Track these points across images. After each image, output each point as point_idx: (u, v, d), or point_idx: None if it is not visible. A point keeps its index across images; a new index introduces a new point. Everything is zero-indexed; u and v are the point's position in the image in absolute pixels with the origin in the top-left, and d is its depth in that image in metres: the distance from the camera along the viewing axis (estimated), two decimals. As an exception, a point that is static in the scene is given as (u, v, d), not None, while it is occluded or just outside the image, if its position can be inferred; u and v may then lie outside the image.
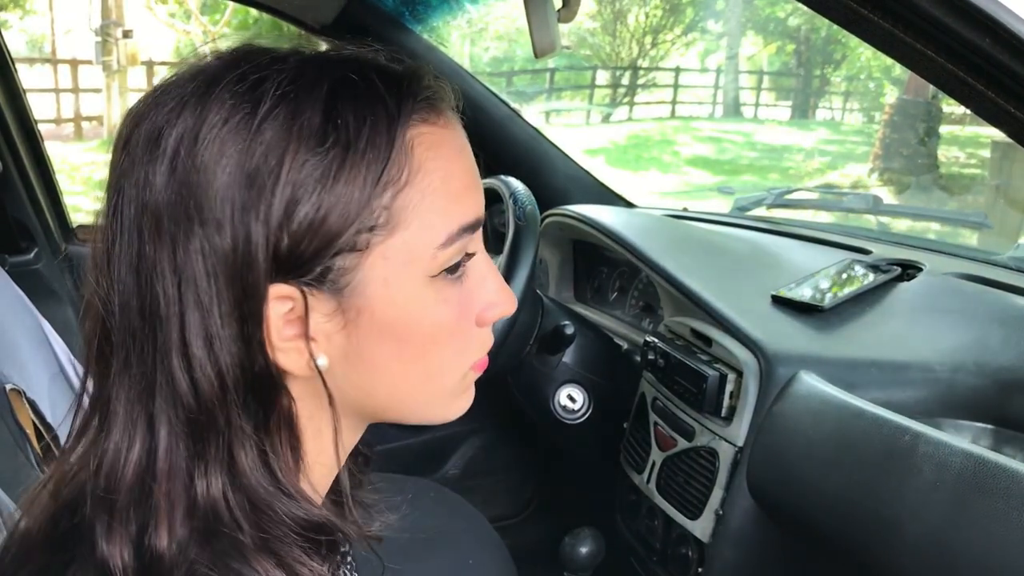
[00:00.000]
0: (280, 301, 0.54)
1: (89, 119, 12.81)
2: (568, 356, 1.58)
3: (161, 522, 0.53)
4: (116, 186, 0.55)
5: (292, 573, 0.55)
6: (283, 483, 0.56)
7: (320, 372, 0.57)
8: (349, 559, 0.76)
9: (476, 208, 0.60)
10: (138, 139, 0.54)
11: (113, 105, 11.89)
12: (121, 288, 0.54)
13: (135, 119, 0.55)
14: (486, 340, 0.64)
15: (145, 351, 0.54)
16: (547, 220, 1.86)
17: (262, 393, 0.55)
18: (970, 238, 1.99)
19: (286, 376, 0.57)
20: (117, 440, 0.55)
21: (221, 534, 0.54)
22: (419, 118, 0.57)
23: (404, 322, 0.58)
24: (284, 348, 0.56)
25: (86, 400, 0.59)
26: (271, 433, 0.56)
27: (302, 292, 0.54)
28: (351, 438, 0.66)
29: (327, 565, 0.58)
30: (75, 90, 12.69)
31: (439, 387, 0.63)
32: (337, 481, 0.71)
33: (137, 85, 12.32)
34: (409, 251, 0.56)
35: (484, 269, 0.63)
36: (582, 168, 1.98)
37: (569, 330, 1.50)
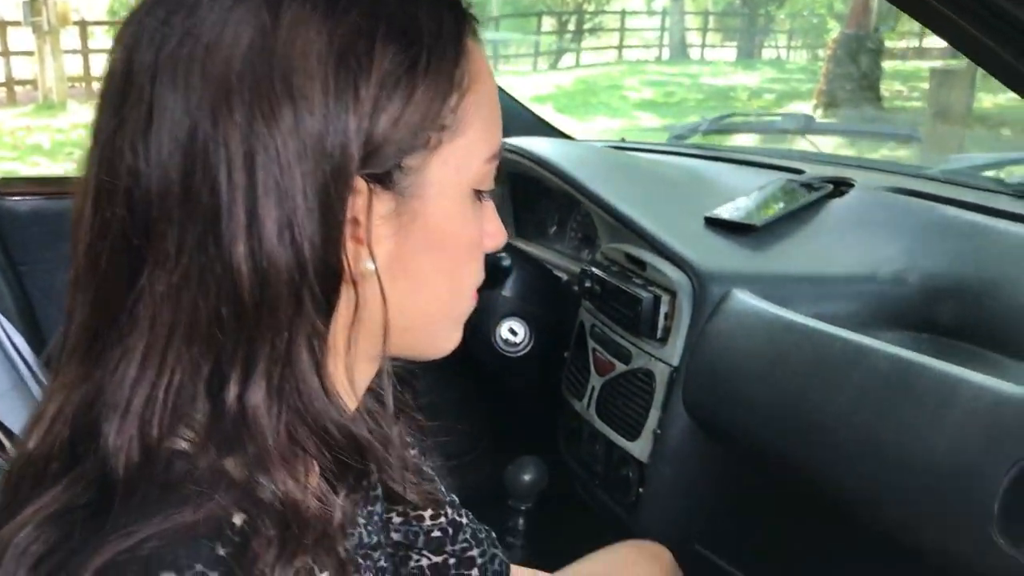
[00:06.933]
0: (353, 194, 0.52)
1: (22, 83, 12.38)
2: (508, 290, 1.57)
3: (176, 424, 0.50)
4: (145, 57, 0.49)
5: (300, 490, 0.51)
6: (333, 394, 0.53)
7: (378, 275, 0.54)
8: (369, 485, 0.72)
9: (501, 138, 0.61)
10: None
11: (46, 67, 11.51)
12: (159, 174, 0.48)
13: None
14: (483, 270, 0.64)
15: (187, 243, 0.49)
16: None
17: (329, 292, 0.52)
18: (904, 158, 2.00)
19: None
20: (139, 343, 0.50)
21: (246, 442, 0.50)
22: (470, 29, 0.57)
23: (449, 232, 0.57)
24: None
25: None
26: (322, 340, 0.52)
27: (370, 189, 0.52)
28: (366, 370, 0.62)
29: (348, 499, 0.55)
30: (4, 53, 12.26)
31: (456, 309, 0.62)
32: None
33: (71, 46, 11.93)
34: (465, 158, 0.56)
35: (489, 199, 0.62)
36: (517, 101, 1.96)
37: (505, 262, 1.49)
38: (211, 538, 0.48)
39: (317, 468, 0.54)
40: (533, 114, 1.98)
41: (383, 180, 0.53)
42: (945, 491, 0.83)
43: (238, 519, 0.49)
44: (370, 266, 0.54)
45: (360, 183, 0.51)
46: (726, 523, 1.25)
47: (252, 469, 0.50)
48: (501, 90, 1.91)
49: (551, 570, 1.09)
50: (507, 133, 1.84)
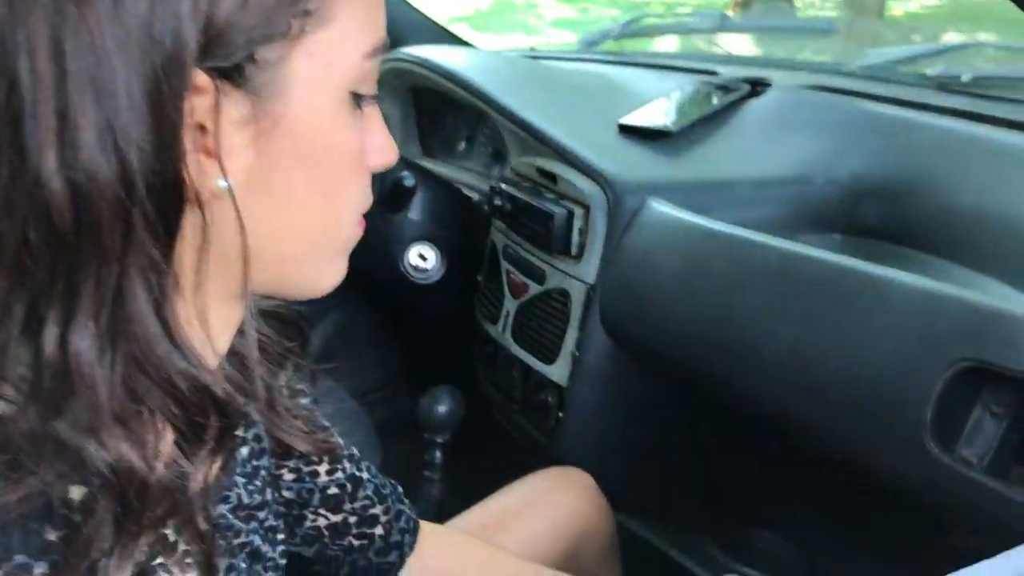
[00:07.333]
0: (192, 92, 0.42)
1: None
2: (414, 213, 1.47)
3: None
4: None
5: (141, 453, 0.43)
6: (180, 339, 0.44)
7: (232, 194, 0.44)
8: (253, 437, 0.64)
9: (384, 31, 0.51)
10: None
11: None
12: None
13: None
14: (370, 192, 0.55)
15: None
16: (382, 67, 1.70)
17: (167, 214, 0.43)
18: (821, 56, 1.94)
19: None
20: None
21: (73, 399, 0.42)
22: None
23: (321, 142, 0.48)
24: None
25: None
26: (163, 274, 0.44)
27: (216, 87, 0.42)
28: (226, 312, 0.52)
29: (209, 462, 0.46)
30: None
31: (336, 238, 0.53)
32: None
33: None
34: (337, 51, 0.47)
35: (375, 108, 0.53)
36: (415, 9, 1.82)
37: (408, 182, 1.39)
38: (37, 520, 0.39)
39: (171, 429, 0.46)
40: (433, 21, 1.84)
41: (232, 76, 0.43)
42: (877, 400, 0.78)
43: (77, 493, 0.41)
44: (222, 183, 0.44)
45: (202, 79, 0.42)
46: (648, 445, 1.20)
47: (82, 431, 0.41)
48: (397, -6, 1.79)
49: (472, 502, 1.03)
50: (406, 42, 1.71)
